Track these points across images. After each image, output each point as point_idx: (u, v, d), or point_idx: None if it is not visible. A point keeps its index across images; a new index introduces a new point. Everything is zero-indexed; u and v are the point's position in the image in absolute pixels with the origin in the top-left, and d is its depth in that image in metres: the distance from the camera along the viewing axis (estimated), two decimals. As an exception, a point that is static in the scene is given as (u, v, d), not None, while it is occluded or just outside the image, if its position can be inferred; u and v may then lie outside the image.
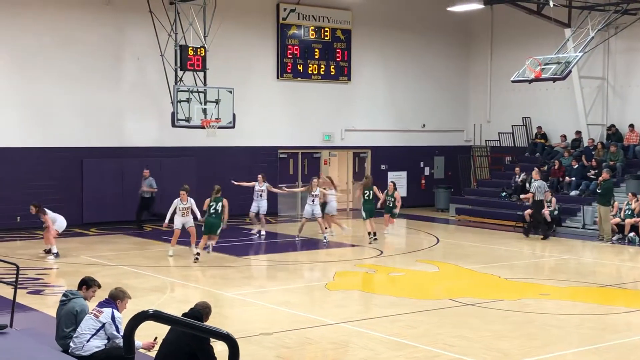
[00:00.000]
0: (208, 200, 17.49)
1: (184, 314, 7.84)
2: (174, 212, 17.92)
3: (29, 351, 8.31)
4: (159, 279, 15.34)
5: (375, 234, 20.58)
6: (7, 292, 12.49)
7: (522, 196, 23.39)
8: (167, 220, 18.00)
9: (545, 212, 22.90)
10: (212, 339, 7.39)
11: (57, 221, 17.86)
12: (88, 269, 16.26)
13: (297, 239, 20.47)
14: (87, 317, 8.49)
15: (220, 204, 17.43)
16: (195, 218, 18.16)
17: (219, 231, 17.62)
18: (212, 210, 17.41)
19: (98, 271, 15.71)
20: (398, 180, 27.63)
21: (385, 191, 22.25)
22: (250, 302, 13.55)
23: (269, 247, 20.25)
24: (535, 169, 23.10)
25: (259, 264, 17.77)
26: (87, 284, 9.10)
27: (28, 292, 13.77)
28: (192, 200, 18.05)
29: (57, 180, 22.32)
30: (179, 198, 17.92)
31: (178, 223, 17.92)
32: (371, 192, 21.01)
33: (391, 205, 22.02)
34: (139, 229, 22.08)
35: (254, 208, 21.23)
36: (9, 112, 21.94)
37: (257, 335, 11.05)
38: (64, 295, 9.00)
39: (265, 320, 12.06)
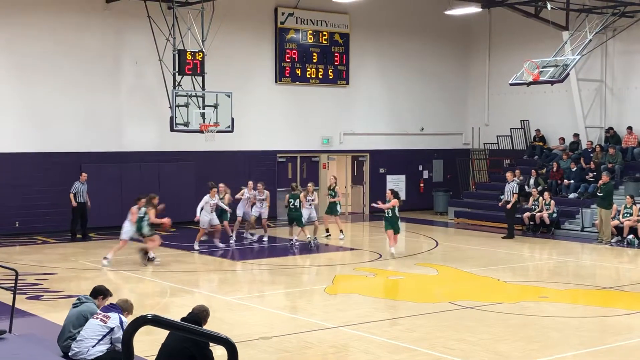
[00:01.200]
0: (287, 196, 20.22)
1: (183, 319, 7.83)
2: (202, 208, 19.34)
3: (28, 356, 8.30)
4: (159, 284, 15.32)
5: (327, 230, 21.91)
6: (6, 297, 12.47)
7: (510, 199, 22.96)
8: (198, 214, 19.28)
9: (544, 214, 22.96)
10: (211, 344, 7.38)
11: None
12: (88, 274, 16.26)
13: (294, 242, 20.40)
14: (92, 322, 8.46)
15: (297, 199, 19.87)
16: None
17: (303, 220, 19.95)
18: (291, 206, 19.86)
19: (98, 276, 15.71)
20: (397, 184, 27.66)
21: (387, 201, 19.01)
22: (249, 306, 13.54)
23: (268, 251, 20.23)
24: (509, 171, 23.38)
25: (257, 268, 17.76)
26: (105, 294, 9.18)
27: (27, 298, 13.76)
28: (218, 197, 19.67)
29: (56, 186, 22.28)
30: (209, 195, 19.36)
31: (205, 221, 19.26)
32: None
33: (389, 215, 18.65)
34: (77, 237, 21.50)
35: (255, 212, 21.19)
36: (7, 117, 21.93)
37: (257, 339, 11.04)
38: (78, 299, 9.08)
39: (264, 325, 12.05)
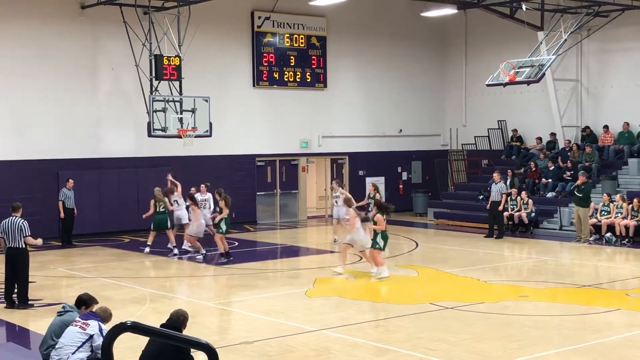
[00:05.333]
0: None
1: (162, 325, 7.79)
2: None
3: (7, 366, 8.22)
4: (138, 290, 15.23)
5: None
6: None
7: (499, 200, 23.26)
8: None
9: (522, 213, 23.09)
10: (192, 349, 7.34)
11: None
12: (66, 282, 16.14)
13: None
14: (71, 329, 8.40)
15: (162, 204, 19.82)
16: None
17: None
18: (161, 209, 19.69)
19: (76, 283, 15.60)
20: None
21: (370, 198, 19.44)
22: (230, 311, 13.50)
23: (248, 255, 20.18)
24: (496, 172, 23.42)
25: (238, 272, 17.70)
26: (86, 303, 9.09)
27: (5, 307, 13.62)
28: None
29: (33, 193, 22.09)
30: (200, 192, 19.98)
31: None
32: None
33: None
34: (69, 244, 21.24)
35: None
36: (-18, 125, 21.73)
37: (238, 344, 11.01)
38: (62, 307, 9.06)
39: (246, 329, 12.02)
